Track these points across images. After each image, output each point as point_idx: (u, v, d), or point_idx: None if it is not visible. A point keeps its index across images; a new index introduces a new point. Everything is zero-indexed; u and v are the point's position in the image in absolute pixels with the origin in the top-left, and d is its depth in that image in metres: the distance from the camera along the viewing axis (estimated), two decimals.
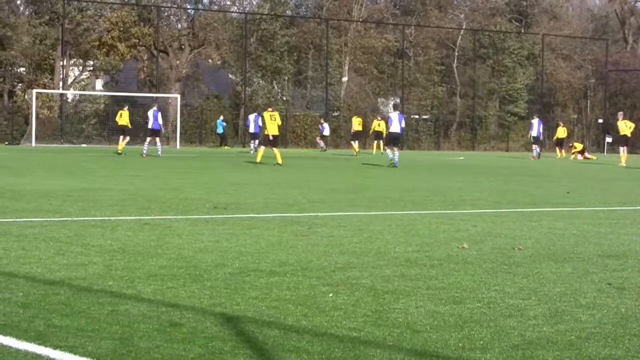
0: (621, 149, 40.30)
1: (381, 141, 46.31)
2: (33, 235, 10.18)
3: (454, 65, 72.22)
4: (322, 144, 55.11)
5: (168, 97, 61.16)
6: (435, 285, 7.64)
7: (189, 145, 58.46)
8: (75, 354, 5.19)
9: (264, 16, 65.33)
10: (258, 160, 30.78)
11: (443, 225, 12.35)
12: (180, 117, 58.30)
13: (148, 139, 37.35)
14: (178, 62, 64.23)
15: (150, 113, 37.14)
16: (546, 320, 6.37)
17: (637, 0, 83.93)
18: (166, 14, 66.06)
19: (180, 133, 57.45)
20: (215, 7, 68.52)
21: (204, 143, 61.16)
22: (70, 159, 33.71)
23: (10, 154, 37.33)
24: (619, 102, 74.28)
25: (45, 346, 5.31)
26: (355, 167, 32.71)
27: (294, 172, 27.76)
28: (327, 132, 55.52)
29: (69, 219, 12.10)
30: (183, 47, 64.83)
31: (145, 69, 65.61)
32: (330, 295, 7.12)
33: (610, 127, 64.35)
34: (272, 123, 31.12)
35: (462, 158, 48.22)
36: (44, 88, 58.01)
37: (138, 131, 47.67)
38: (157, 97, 52.83)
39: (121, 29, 61.63)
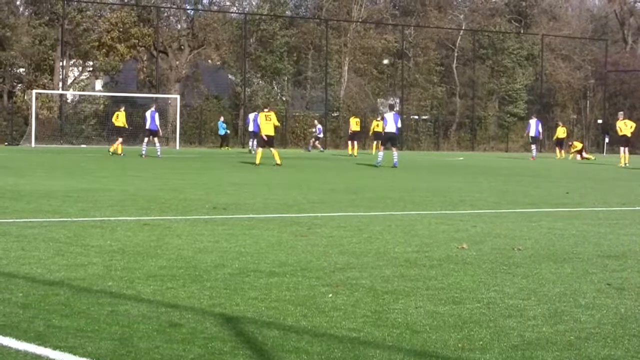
0: (622, 149, 40.11)
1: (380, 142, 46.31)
2: (33, 236, 10.18)
3: (454, 65, 72.22)
4: (310, 146, 55.33)
5: (168, 98, 61.17)
6: (435, 286, 7.65)
7: (188, 146, 58.46)
8: (74, 354, 5.19)
9: (263, 17, 65.32)
10: (257, 162, 30.78)
11: (442, 225, 12.35)
12: (180, 117, 58.31)
13: (145, 139, 37.46)
14: (177, 62, 64.24)
15: (147, 114, 37.27)
16: (545, 321, 6.38)
17: (637, 0, 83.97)
18: (166, 14, 66.05)
19: (180, 134, 57.46)
20: (215, 8, 68.54)
21: (203, 144, 61.18)
22: (69, 160, 33.71)
23: (9, 155, 37.33)
24: (618, 103, 74.28)
25: (45, 347, 5.32)
26: (354, 167, 32.72)
27: (293, 172, 27.76)
28: (321, 134, 55.80)
29: (69, 219, 12.10)
30: (182, 47, 64.84)
31: (144, 69, 65.61)
32: (330, 295, 7.12)
33: (609, 128, 64.33)
34: (267, 123, 31.10)
35: (461, 158, 48.23)
36: (44, 88, 58.01)
37: (138, 132, 47.73)
38: (156, 98, 52.84)
39: (121, 29, 61.63)
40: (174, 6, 66.32)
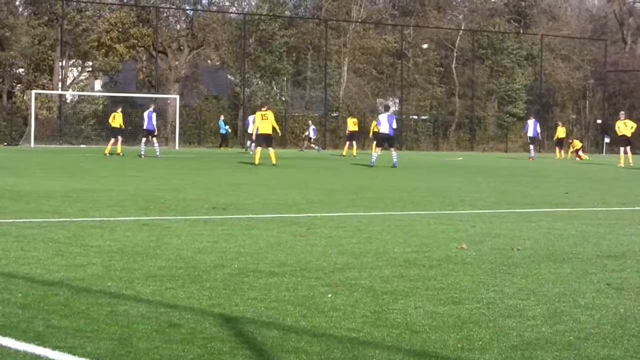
0: (621, 149, 39.96)
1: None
2: (32, 236, 10.18)
3: (453, 65, 72.23)
4: (304, 146, 55.44)
5: (167, 98, 61.17)
6: (434, 286, 7.65)
7: (187, 146, 58.46)
8: (74, 354, 5.19)
9: (262, 17, 65.32)
10: (256, 162, 30.78)
11: (442, 225, 12.35)
12: (179, 117, 58.32)
13: (144, 139, 37.53)
14: (177, 62, 64.24)
15: (145, 114, 37.42)
16: (545, 321, 6.38)
17: (636, 0, 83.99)
18: (165, 14, 66.05)
19: (179, 134, 57.46)
20: (214, 8, 68.53)
21: (202, 144, 61.17)
22: (69, 160, 33.71)
23: (9, 155, 37.32)
24: (617, 103, 74.29)
25: (44, 347, 5.32)
26: (353, 167, 32.72)
27: (292, 172, 27.76)
28: (315, 134, 55.96)
29: (68, 219, 12.10)
30: (182, 47, 64.84)
31: (144, 69, 65.61)
32: (329, 295, 7.12)
33: (608, 128, 64.32)
34: (263, 122, 31.09)
35: (460, 158, 48.24)
36: (43, 89, 58.00)
37: (137, 132, 47.73)
38: (155, 98, 52.85)
39: (120, 29, 61.62)
40: (173, 6, 66.31)
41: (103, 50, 61.81)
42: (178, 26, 66.99)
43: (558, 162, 46.06)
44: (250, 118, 46.22)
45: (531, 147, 48.40)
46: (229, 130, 57.80)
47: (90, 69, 63.71)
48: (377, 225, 12.20)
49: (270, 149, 31.22)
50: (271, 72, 65.75)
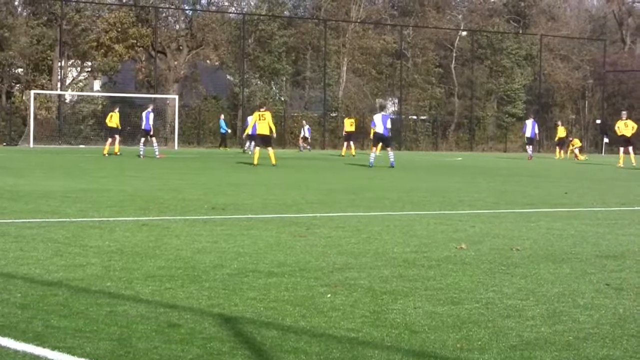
0: (621, 149, 39.86)
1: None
2: (31, 236, 10.18)
3: (452, 66, 72.25)
4: (301, 145, 55.48)
5: (166, 98, 61.16)
6: (434, 286, 7.65)
7: (187, 146, 58.46)
8: (73, 354, 5.19)
9: (261, 17, 65.33)
10: (255, 162, 30.77)
11: (441, 226, 12.35)
12: (178, 118, 58.31)
13: (142, 139, 37.62)
14: (176, 63, 64.24)
15: (144, 114, 37.52)
16: (544, 321, 6.38)
17: (635, 0, 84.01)
18: (164, 14, 66.04)
19: (178, 134, 57.46)
20: (213, 8, 68.52)
21: (202, 144, 61.17)
22: (68, 160, 33.71)
23: (8, 155, 37.31)
24: (616, 103, 74.33)
25: (44, 347, 5.32)
26: (353, 167, 32.71)
27: (292, 172, 27.76)
28: (309, 134, 56.04)
29: (67, 220, 12.10)
30: (181, 47, 64.83)
31: (143, 69, 65.61)
32: (329, 296, 7.12)
33: (608, 128, 64.31)
34: (261, 122, 31.09)
35: (460, 159, 48.24)
36: (42, 89, 58.00)
37: (136, 132, 47.75)
38: (155, 98, 52.83)
39: (119, 29, 61.61)
40: (173, 6, 66.31)
41: (102, 50, 61.80)
42: (177, 26, 67.00)
43: (558, 162, 46.07)
44: (249, 119, 46.29)
45: (528, 147, 48.46)
46: (229, 131, 57.80)
47: (89, 69, 63.70)
48: (377, 226, 12.20)
49: (270, 149, 31.20)
50: (270, 72, 65.76)
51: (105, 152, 38.63)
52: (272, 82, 67.37)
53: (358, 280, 7.86)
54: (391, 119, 34.22)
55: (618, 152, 41.18)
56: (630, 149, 39.37)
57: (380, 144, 32.70)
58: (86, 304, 6.56)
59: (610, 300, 7.24)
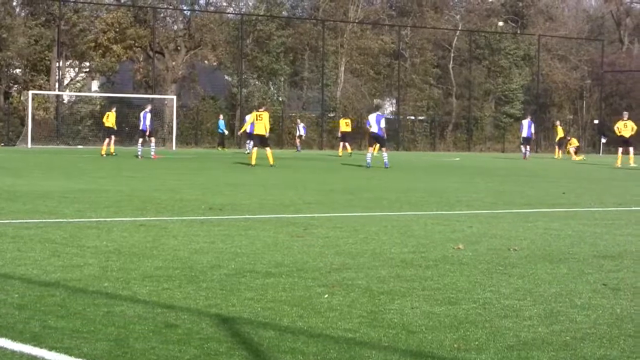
0: (620, 149, 39.76)
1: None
2: (29, 237, 10.18)
3: (450, 66, 72.25)
4: (298, 145, 55.50)
5: (164, 99, 61.13)
6: (431, 286, 7.65)
7: (184, 147, 58.44)
8: (70, 355, 5.19)
9: (259, 17, 65.31)
10: (253, 162, 30.76)
11: (439, 226, 12.36)
12: (176, 118, 58.29)
13: (140, 140, 37.68)
14: (174, 63, 64.20)
15: (141, 114, 37.57)
16: (541, 321, 6.38)
17: (633, 1, 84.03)
18: (162, 15, 66.01)
19: (176, 134, 57.44)
20: (211, 8, 68.49)
21: (199, 144, 61.14)
22: (66, 160, 33.69)
23: (6, 155, 37.30)
24: (614, 103, 74.38)
25: (41, 347, 5.32)
26: (351, 168, 32.71)
27: (289, 173, 27.76)
28: (304, 132, 56.09)
29: (65, 220, 12.09)
30: (179, 48, 64.80)
31: (141, 70, 65.58)
32: (326, 296, 7.12)
33: (606, 128, 64.32)
34: (257, 123, 31.09)
35: (457, 159, 48.25)
36: (40, 89, 57.97)
37: (134, 132, 47.75)
38: (152, 99, 52.80)
39: (117, 30, 61.57)
40: (171, 7, 66.28)
41: (100, 50, 61.74)
42: (175, 27, 66.95)
43: (556, 162, 46.08)
44: (247, 118, 46.25)
45: (522, 147, 48.64)
46: (227, 132, 57.75)
47: (87, 69, 63.65)
48: (374, 226, 12.20)
49: (267, 149, 31.19)
50: (268, 72, 65.75)
51: (103, 152, 38.63)
52: (270, 83, 67.36)
53: (355, 280, 7.87)
54: (386, 118, 34.19)
55: (616, 153, 41.13)
56: (631, 149, 39.35)
57: (376, 144, 32.71)
58: (83, 305, 6.55)
59: (608, 300, 7.24)
